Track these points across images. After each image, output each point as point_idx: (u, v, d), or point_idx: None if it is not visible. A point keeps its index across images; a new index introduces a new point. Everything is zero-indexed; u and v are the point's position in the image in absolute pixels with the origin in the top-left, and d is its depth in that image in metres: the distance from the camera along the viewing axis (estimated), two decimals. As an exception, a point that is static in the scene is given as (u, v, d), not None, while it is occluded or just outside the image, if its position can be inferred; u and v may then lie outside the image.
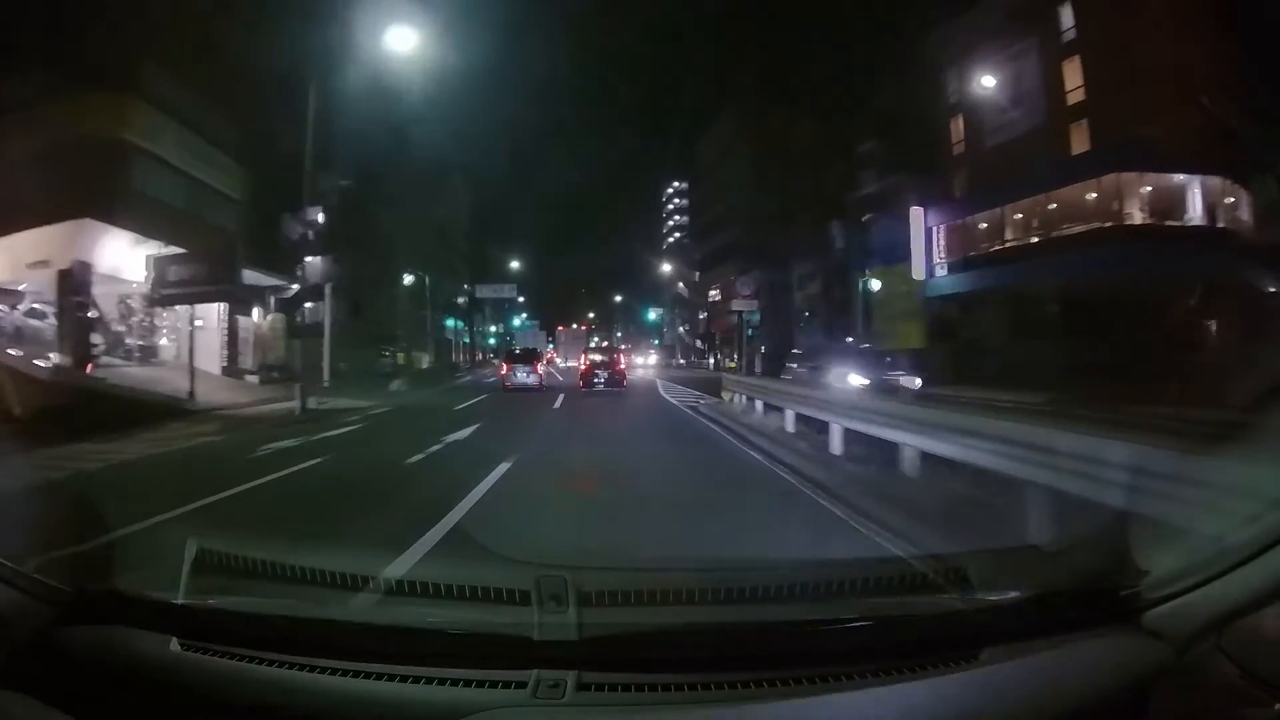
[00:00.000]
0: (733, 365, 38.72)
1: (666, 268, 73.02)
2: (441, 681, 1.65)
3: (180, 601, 2.01)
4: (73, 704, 1.66)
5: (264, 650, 1.76)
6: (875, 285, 32.79)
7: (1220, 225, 23.36)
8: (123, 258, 18.92)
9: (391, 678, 1.67)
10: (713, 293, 61.30)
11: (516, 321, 70.17)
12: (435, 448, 9.54)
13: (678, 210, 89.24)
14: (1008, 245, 28.11)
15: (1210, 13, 20.92)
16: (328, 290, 24.57)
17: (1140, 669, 1.69)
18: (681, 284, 72.40)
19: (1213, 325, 20.59)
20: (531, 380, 24.23)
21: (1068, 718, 1.61)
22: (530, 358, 26.56)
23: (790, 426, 11.34)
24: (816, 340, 29.94)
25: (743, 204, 52.83)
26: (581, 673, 1.64)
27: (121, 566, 2.46)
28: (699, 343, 67.87)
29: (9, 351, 14.42)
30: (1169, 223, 23.41)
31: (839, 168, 38.33)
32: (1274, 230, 20.48)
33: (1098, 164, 23.68)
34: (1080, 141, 25.26)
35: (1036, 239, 26.83)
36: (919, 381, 16.59)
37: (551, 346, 64.26)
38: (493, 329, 74.76)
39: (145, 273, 18.00)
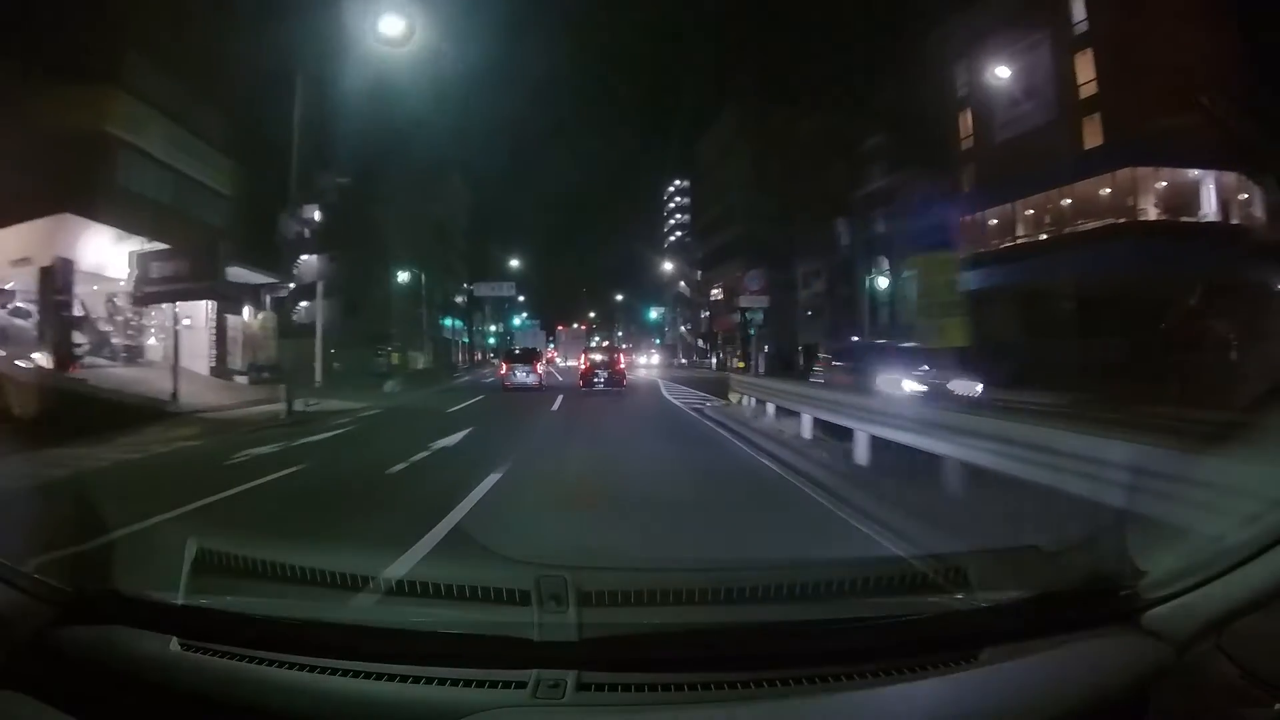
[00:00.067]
0: (742, 365, 37.57)
1: (668, 266, 73.00)
2: (441, 681, 1.66)
3: (180, 602, 2.03)
4: (73, 704, 1.68)
5: (264, 650, 1.77)
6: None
7: (1234, 222, 23.07)
8: (107, 254, 18.58)
9: (391, 678, 1.67)
10: (715, 291, 61.01)
11: (517, 321, 69.99)
12: (421, 455, 9.04)
13: (679, 209, 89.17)
14: (1019, 241, 27.59)
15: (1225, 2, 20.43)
16: (320, 288, 24.22)
17: (1140, 669, 1.70)
18: (683, 283, 72.12)
19: (1239, 322, 20.06)
20: (531, 380, 24.44)
21: (1068, 718, 1.61)
22: (530, 357, 26.72)
23: (807, 433, 10.51)
24: (847, 338, 28.10)
25: (745, 202, 52.66)
26: (581, 673, 1.65)
27: (122, 566, 2.50)
28: (701, 342, 67.52)
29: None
30: (1184, 219, 23.11)
31: (843, 164, 37.87)
32: None
33: (1113, 158, 23.39)
34: (1093, 135, 24.90)
35: (1047, 235, 26.29)
36: (979, 387, 14.05)
37: (552, 346, 63.93)
38: (493, 328, 74.59)
39: (128, 270, 17.50)
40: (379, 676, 1.68)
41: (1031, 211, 27.55)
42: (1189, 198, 23.56)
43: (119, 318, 20.52)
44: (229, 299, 21.40)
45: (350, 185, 31.62)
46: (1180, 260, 20.46)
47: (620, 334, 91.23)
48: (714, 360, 56.42)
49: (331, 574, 2.38)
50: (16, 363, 14.39)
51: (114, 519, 4.50)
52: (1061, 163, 24.93)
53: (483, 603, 2.10)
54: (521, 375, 24.49)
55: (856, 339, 25.76)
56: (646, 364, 56.76)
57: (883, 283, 33.18)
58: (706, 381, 28.99)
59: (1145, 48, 21.88)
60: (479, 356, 65.75)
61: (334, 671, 1.71)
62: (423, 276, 42.57)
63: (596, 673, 1.66)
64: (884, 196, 35.01)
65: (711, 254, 62.74)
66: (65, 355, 16.88)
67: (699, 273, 67.42)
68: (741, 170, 53.76)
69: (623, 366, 26.04)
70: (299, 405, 15.11)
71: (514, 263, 58.31)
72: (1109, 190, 24.12)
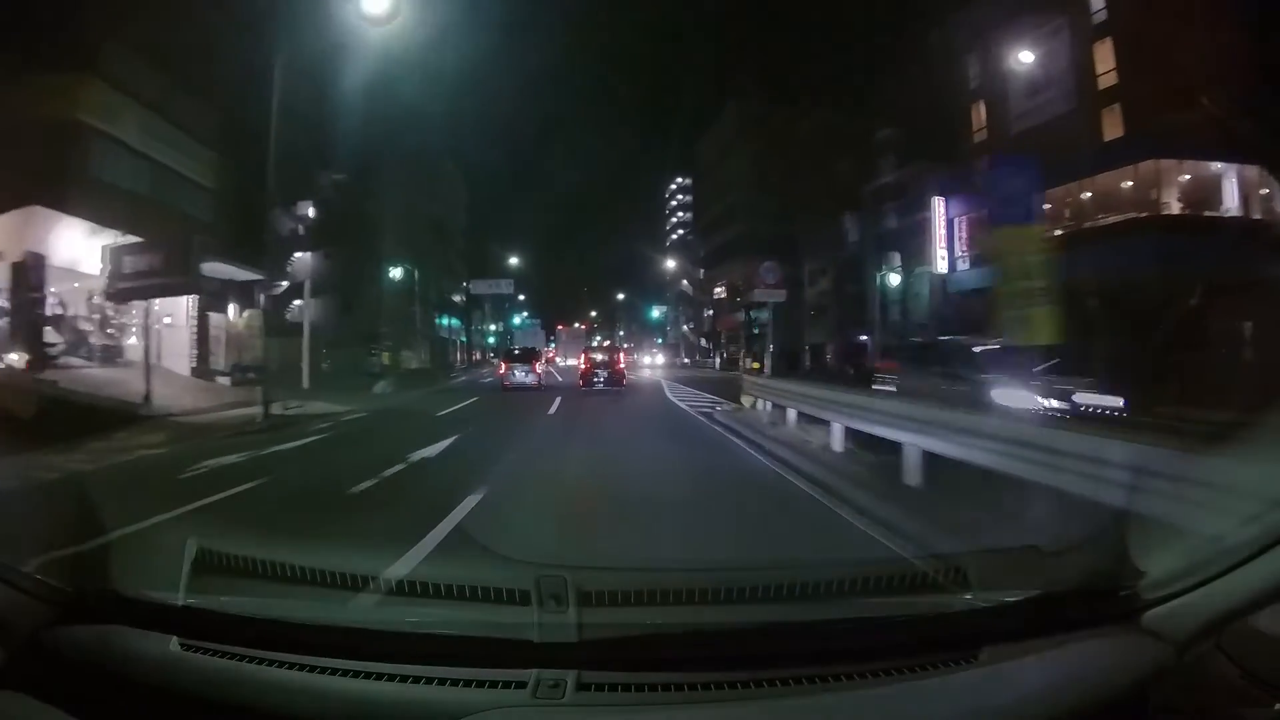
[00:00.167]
0: (756, 365, 36.09)
1: (670, 264, 72.65)
2: (441, 681, 1.68)
3: (180, 602, 2.03)
4: (72, 704, 1.69)
5: (264, 650, 1.79)
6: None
7: (1256, 217, 22.65)
8: (81, 249, 17.85)
9: (391, 678, 1.69)
10: (718, 290, 60.30)
11: (517, 320, 69.31)
12: (395, 470, 8.23)
13: (681, 206, 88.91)
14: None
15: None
16: (308, 286, 23.46)
17: (1140, 669, 1.71)
18: (685, 281, 71.66)
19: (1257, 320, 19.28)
20: (530, 380, 24.82)
21: (1068, 717, 1.62)
22: (529, 357, 27.02)
23: (838, 445, 9.31)
24: (895, 337, 25.64)
25: (747, 200, 52.21)
26: (581, 673, 1.67)
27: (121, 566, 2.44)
28: (704, 341, 66.88)
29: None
30: (1206, 213, 22.68)
31: (849, 160, 37.16)
32: None
33: (1136, 150, 22.81)
34: (1113, 127, 24.10)
35: (1063, 230, 25.41)
36: (1121, 400, 10.49)
37: (552, 346, 63.28)
38: (492, 327, 73.97)
39: (100, 265, 16.75)
40: (379, 677, 1.70)
41: (1049, 205, 26.69)
42: (1210, 191, 23.16)
43: (98, 316, 19.80)
44: (210, 295, 20.69)
45: (346, 181, 30.98)
46: (1202, 256, 19.64)
47: (622, 333, 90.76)
48: (717, 360, 55.75)
49: (332, 574, 2.40)
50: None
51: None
52: (1081, 154, 24.23)
53: (483, 603, 2.12)
54: (520, 375, 24.85)
55: (944, 336, 20.52)
56: (650, 364, 56.13)
57: (894, 279, 32.26)
58: (711, 382, 28.71)
59: (1168, 36, 21.40)
60: (478, 356, 65.38)
61: (334, 671, 1.73)
62: (416, 274, 41.76)
63: (597, 673, 1.68)
64: (894, 191, 34.21)
65: (714, 252, 62.68)
66: (37, 355, 16.36)
67: (701, 271, 67.21)
68: (744, 168, 53.88)
69: (622, 366, 26.50)
70: (279, 409, 14.71)
71: (514, 261, 57.74)
72: (1131, 183, 23.54)
